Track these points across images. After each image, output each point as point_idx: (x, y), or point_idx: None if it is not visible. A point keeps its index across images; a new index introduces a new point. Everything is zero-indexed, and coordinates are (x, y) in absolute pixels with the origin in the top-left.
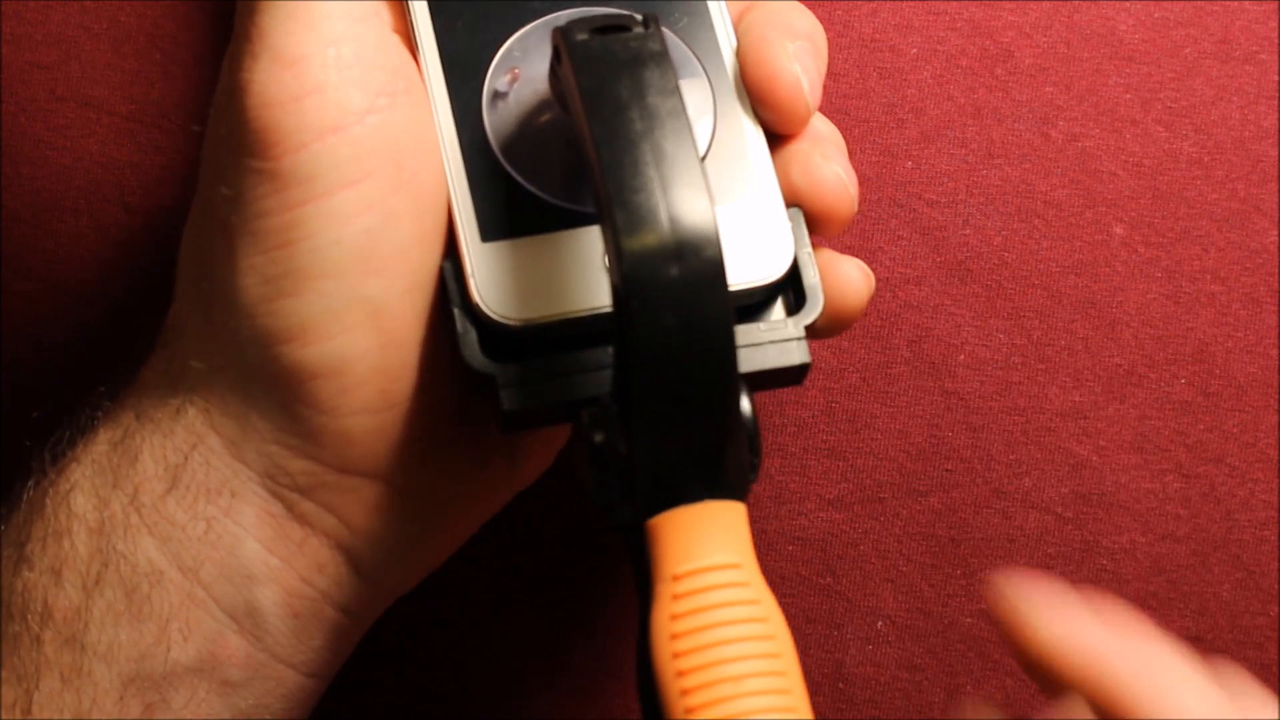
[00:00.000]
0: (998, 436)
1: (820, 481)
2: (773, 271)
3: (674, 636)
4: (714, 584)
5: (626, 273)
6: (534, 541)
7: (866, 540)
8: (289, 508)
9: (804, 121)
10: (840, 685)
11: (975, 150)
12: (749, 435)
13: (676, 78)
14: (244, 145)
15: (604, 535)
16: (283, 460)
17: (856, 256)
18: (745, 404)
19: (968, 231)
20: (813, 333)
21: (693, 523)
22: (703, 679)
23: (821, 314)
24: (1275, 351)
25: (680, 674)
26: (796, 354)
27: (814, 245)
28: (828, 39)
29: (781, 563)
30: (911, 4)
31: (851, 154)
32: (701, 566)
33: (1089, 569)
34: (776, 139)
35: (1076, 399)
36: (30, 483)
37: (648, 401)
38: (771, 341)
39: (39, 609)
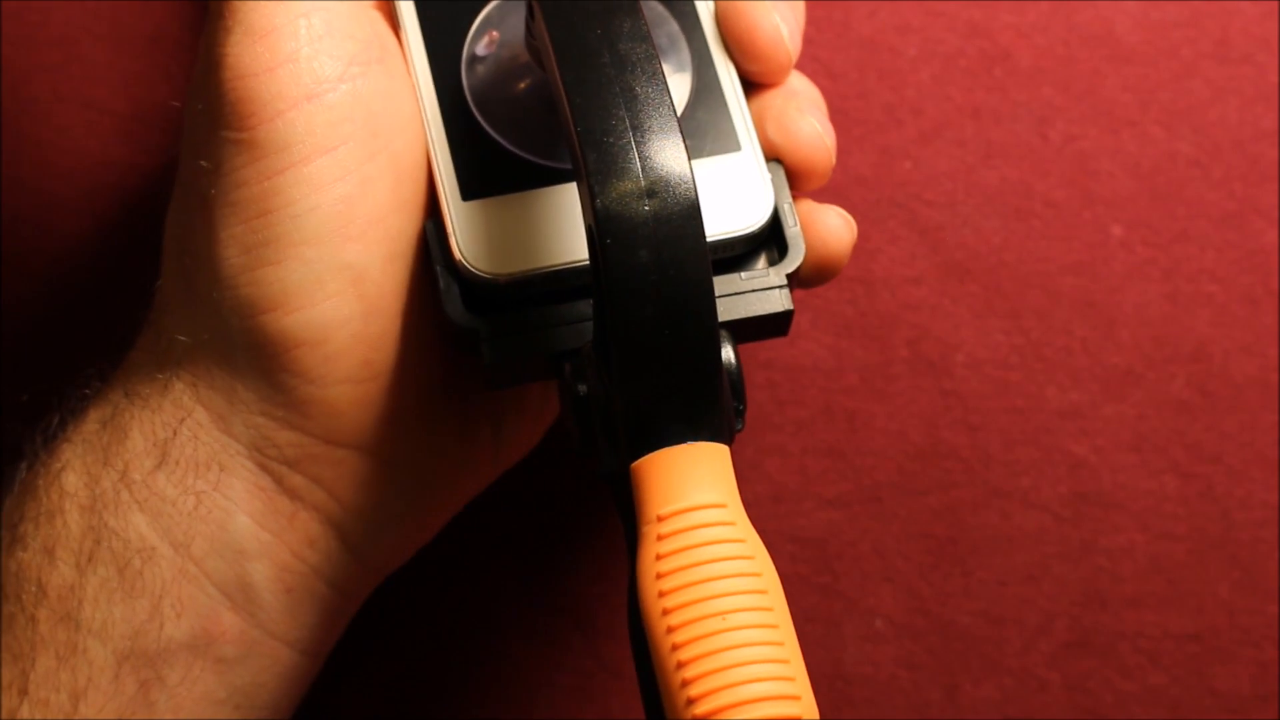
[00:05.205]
0: (996, 436)
1: (819, 481)
2: (753, 221)
3: (659, 576)
4: (698, 523)
5: (598, 211)
6: (530, 536)
7: (865, 539)
8: (278, 481)
9: (785, 70)
10: (839, 684)
11: (974, 151)
12: (732, 380)
13: (648, 25)
14: (221, 117)
15: (603, 527)
16: (269, 432)
17: (855, 257)
18: (728, 350)
19: (966, 232)
20: (800, 282)
21: (676, 464)
22: (687, 616)
23: (805, 262)
24: (1273, 351)
25: (666, 612)
26: (778, 302)
27: (794, 198)
28: (827, 39)
29: (780, 562)
30: (910, 5)
31: (851, 154)
32: (685, 507)
33: (1087, 568)
34: (753, 94)
35: (1074, 399)
36: (23, 465)
37: (625, 341)
38: (753, 290)
39: (33, 588)
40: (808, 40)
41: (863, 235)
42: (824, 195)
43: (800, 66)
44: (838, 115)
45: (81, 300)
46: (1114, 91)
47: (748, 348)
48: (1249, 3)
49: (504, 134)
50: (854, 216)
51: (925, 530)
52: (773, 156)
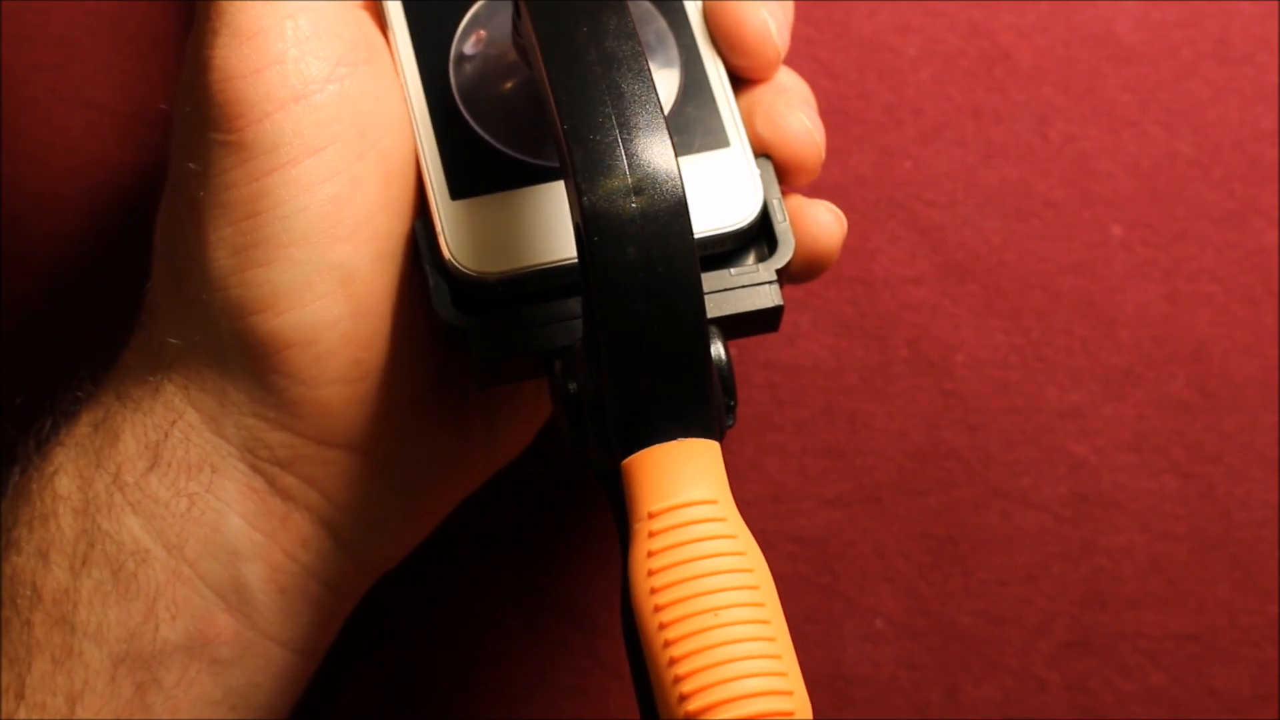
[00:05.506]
0: (996, 436)
1: (819, 481)
2: (742, 217)
3: (651, 573)
4: (689, 520)
5: (586, 209)
6: (526, 534)
7: (865, 539)
8: (270, 482)
9: (773, 65)
10: (839, 684)
11: (974, 151)
12: (722, 376)
13: (634, 22)
14: (209, 119)
15: (599, 525)
16: (261, 433)
17: (855, 257)
18: (718, 346)
19: (966, 232)
20: (790, 277)
21: (667, 461)
22: (679, 612)
23: (795, 258)
24: (1273, 351)
25: (658, 609)
26: (768, 297)
27: (784, 194)
28: (827, 39)
29: (781, 562)
30: (911, 5)
31: (851, 154)
32: (676, 503)
33: (1087, 568)
34: (742, 90)
35: (1075, 399)
36: (16, 470)
37: (614, 338)
38: (742, 286)
39: (28, 592)
40: (808, 40)
41: (863, 235)
42: (825, 195)
43: (800, 67)
44: (838, 115)
45: (81, 301)
46: (1114, 91)
47: (747, 347)
48: (1249, 3)
49: (492, 133)
50: (854, 217)
51: (925, 530)
52: (762, 152)
